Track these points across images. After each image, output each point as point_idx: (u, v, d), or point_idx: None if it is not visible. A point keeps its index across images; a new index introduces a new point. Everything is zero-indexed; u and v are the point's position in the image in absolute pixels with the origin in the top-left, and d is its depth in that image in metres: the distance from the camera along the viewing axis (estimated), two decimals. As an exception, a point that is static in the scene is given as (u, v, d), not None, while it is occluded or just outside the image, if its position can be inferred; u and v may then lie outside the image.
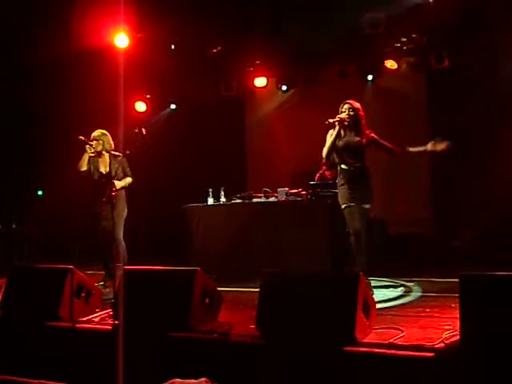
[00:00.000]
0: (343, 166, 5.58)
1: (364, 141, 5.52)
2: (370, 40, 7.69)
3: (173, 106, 10.40)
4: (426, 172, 8.96)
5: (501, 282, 3.31)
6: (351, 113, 5.52)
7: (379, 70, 8.72)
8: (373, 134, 5.59)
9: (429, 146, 5.44)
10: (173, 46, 8.94)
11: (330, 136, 5.58)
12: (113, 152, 6.34)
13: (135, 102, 9.94)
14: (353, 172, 5.53)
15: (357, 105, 5.59)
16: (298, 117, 9.67)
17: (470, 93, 7.97)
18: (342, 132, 5.57)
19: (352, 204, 5.48)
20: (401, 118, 9.07)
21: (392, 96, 9.09)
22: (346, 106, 5.58)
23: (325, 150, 5.60)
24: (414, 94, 9.08)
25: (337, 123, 5.49)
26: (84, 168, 6.32)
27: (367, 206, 5.52)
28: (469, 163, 8.04)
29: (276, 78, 9.55)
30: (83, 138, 6.22)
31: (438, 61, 8.06)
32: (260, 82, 9.50)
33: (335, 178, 7.63)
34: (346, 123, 5.51)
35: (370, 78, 8.97)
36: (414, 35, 8.02)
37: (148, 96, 10.05)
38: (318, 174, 7.99)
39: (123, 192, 6.47)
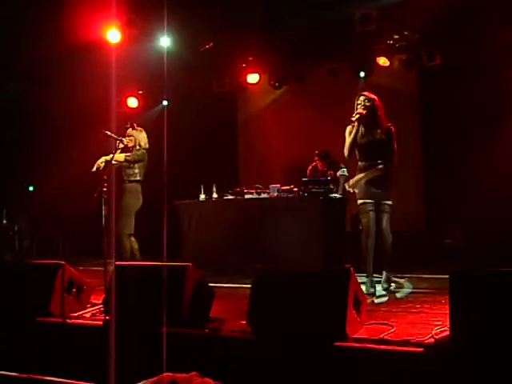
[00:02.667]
0: (364, 163, 5.37)
1: (381, 137, 5.31)
2: (362, 37, 7.70)
3: (165, 103, 10.37)
4: (418, 169, 8.99)
5: (490, 277, 3.33)
6: (367, 103, 5.31)
7: (371, 68, 8.74)
8: (391, 129, 5.37)
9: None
10: (165, 42, 8.91)
11: (349, 133, 5.37)
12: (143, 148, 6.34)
13: (127, 97, 9.90)
14: (374, 170, 5.32)
15: (373, 96, 5.38)
16: (290, 113, 9.68)
17: (462, 90, 8.01)
18: (361, 128, 5.35)
19: (370, 201, 5.34)
20: (392, 115, 9.06)
21: (384, 93, 9.03)
22: (361, 98, 5.36)
23: (346, 150, 5.40)
24: (405, 91, 9.10)
25: (357, 120, 5.26)
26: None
27: (389, 202, 5.39)
28: (460, 161, 8.07)
29: (268, 74, 9.55)
30: (110, 134, 6.02)
31: (429, 58, 8.08)
32: (252, 78, 9.49)
33: (327, 170, 7.67)
34: (364, 117, 5.29)
35: (362, 75, 8.99)
36: (406, 32, 8.04)
37: (140, 92, 10.02)
38: (310, 166, 7.97)
39: (137, 186, 6.43)
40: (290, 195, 7.08)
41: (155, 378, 2.09)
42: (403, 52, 8.46)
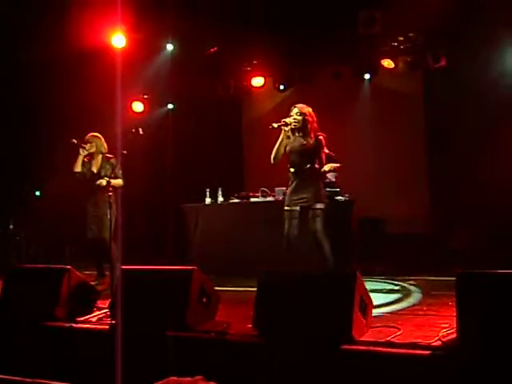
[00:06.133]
0: (291, 170, 5.62)
1: (309, 144, 5.54)
2: (366, 39, 7.69)
3: (170, 106, 10.40)
4: (424, 171, 8.97)
5: (497, 279, 3.30)
6: (298, 117, 5.57)
7: (376, 69, 8.73)
8: (320, 139, 5.58)
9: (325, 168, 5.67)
10: (170, 46, 8.95)
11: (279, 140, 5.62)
12: (106, 154, 6.43)
13: (132, 101, 9.93)
14: (299, 175, 5.56)
15: (306, 109, 5.63)
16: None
17: (467, 92, 7.98)
18: (291, 136, 5.61)
19: (295, 208, 5.52)
20: (398, 117, 9.09)
21: (389, 95, 9.11)
22: (294, 110, 5.63)
23: (272, 156, 5.64)
24: (411, 93, 9.09)
25: (282, 127, 5.51)
26: (78, 169, 6.44)
27: (319, 206, 5.50)
28: (466, 162, 8.04)
29: (273, 77, 9.55)
30: (76, 141, 6.31)
31: (434, 60, 8.06)
32: (257, 81, 9.50)
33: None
34: (292, 126, 5.55)
35: (367, 77, 8.98)
36: (410, 34, 8.03)
37: (145, 96, 10.05)
38: None
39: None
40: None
41: (161, 382, 2.09)
42: (408, 54, 8.44)
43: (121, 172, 6.40)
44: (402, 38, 8.11)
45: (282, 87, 9.54)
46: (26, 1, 7.91)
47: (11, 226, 9.74)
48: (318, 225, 5.48)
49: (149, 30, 8.21)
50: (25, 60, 8.37)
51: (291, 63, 9.03)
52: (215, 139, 9.86)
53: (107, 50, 7.85)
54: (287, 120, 5.53)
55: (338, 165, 5.88)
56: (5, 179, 9.62)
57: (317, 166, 5.54)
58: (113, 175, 6.26)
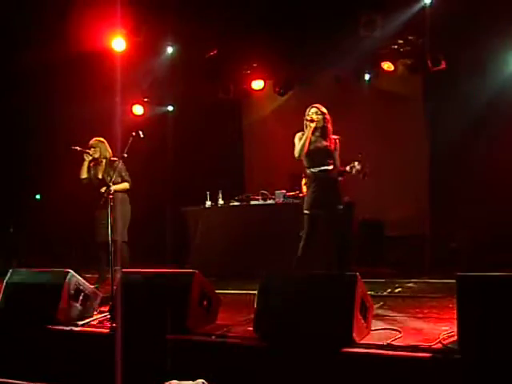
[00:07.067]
0: (312, 170, 5.57)
1: (331, 145, 5.54)
2: (366, 42, 7.70)
3: (170, 109, 10.42)
4: (424, 173, 8.97)
5: (498, 282, 3.31)
6: (319, 116, 5.54)
7: (376, 72, 8.74)
8: (337, 142, 5.60)
9: (347, 168, 5.63)
10: (170, 50, 8.96)
11: (299, 138, 5.58)
12: (111, 158, 6.44)
13: (132, 105, 9.94)
14: (320, 176, 5.51)
15: (323, 109, 5.60)
16: (295, 119, 9.65)
17: (467, 95, 7.98)
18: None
19: (318, 211, 5.46)
20: (398, 120, 9.09)
21: (389, 98, 9.10)
22: (312, 110, 5.59)
23: (297, 151, 5.55)
24: (411, 96, 9.08)
25: (309, 123, 5.50)
26: (84, 175, 6.48)
27: (340, 207, 5.52)
28: (466, 165, 8.04)
29: (273, 80, 9.56)
30: (78, 148, 6.33)
31: (434, 63, 8.07)
32: (257, 84, 9.51)
33: None
34: (315, 125, 5.52)
35: (366, 79, 8.99)
36: (410, 37, 8.04)
37: (145, 99, 10.06)
38: None
39: (126, 196, 6.49)
40: (295, 201, 7.09)
41: (162, 386, 2.09)
42: (408, 57, 8.45)
43: (128, 174, 6.41)
44: (401, 41, 8.11)
45: (281, 90, 9.56)
46: (25, 4, 7.93)
47: (11, 229, 9.75)
48: (341, 227, 5.50)
49: (149, 33, 8.21)
50: (25, 63, 8.38)
51: (291, 66, 9.04)
52: (215, 142, 9.86)
53: (107, 53, 7.86)
54: (314, 117, 5.51)
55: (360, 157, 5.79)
56: (5, 182, 9.63)
57: (332, 167, 5.54)
58: (119, 179, 6.27)
